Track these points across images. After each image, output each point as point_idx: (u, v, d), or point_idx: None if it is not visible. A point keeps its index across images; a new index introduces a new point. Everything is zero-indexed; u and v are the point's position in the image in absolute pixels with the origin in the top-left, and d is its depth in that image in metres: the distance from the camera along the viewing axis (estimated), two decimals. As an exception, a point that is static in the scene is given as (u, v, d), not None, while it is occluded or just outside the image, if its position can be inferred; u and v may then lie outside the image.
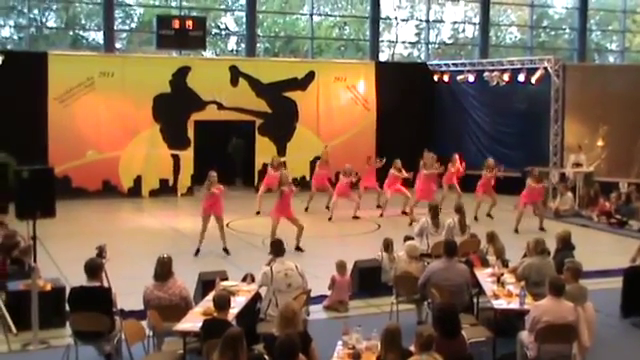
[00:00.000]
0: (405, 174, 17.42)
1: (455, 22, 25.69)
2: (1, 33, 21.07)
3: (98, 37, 21.55)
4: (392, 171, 17.47)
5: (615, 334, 8.77)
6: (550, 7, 27.29)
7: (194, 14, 21.63)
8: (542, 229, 15.34)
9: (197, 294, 8.89)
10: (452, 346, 6.12)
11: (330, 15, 24.71)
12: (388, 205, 17.33)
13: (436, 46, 25.55)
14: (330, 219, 16.78)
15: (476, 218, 16.42)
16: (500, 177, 17.58)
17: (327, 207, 17.57)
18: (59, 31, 22.02)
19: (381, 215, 17.20)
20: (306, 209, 17.47)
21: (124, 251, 12.03)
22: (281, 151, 21.22)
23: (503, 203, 17.41)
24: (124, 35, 22.62)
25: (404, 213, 17.08)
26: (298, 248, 13.11)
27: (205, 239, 13.04)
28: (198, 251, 12.95)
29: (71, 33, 22.09)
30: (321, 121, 22.04)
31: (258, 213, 16.76)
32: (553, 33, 27.58)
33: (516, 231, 15.27)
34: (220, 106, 20.72)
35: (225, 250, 12.99)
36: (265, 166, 18.79)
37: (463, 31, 26.14)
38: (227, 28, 23.78)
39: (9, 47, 20.42)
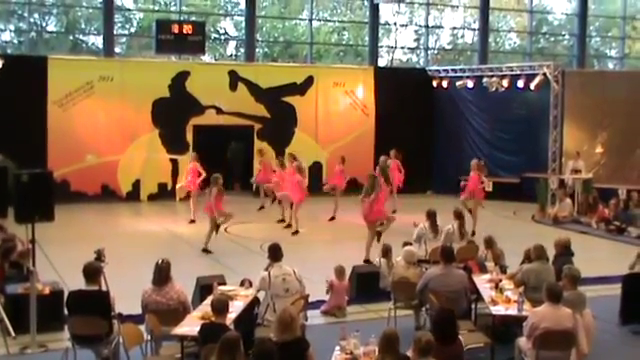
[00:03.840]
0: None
1: (454, 28, 25.75)
2: (1, 37, 21.10)
3: (98, 41, 21.59)
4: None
5: (614, 341, 8.76)
6: (549, 13, 27.32)
7: (193, 19, 21.64)
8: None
9: (195, 298, 8.89)
10: (449, 351, 6.13)
11: (329, 20, 24.77)
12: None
13: (435, 52, 25.58)
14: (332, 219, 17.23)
15: None
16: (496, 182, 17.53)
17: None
18: (59, 35, 22.03)
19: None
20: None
21: (122, 255, 11.98)
22: (280, 156, 21.20)
23: (500, 209, 17.37)
24: (123, 40, 22.65)
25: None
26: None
27: (202, 243, 13.46)
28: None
29: (71, 37, 22.12)
30: (320, 126, 22.05)
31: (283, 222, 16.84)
32: (552, 39, 27.60)
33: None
34: (219, 111, 20.75)
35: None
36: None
37: (462, 37, 26.18)
38: (226, 33, 23.81)
39: (9, 51, 20.44)
